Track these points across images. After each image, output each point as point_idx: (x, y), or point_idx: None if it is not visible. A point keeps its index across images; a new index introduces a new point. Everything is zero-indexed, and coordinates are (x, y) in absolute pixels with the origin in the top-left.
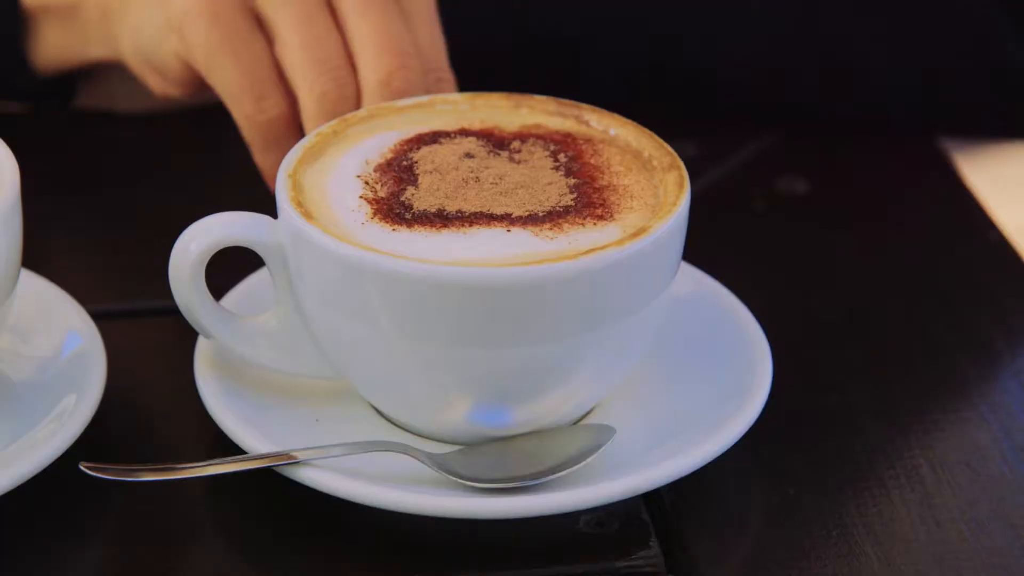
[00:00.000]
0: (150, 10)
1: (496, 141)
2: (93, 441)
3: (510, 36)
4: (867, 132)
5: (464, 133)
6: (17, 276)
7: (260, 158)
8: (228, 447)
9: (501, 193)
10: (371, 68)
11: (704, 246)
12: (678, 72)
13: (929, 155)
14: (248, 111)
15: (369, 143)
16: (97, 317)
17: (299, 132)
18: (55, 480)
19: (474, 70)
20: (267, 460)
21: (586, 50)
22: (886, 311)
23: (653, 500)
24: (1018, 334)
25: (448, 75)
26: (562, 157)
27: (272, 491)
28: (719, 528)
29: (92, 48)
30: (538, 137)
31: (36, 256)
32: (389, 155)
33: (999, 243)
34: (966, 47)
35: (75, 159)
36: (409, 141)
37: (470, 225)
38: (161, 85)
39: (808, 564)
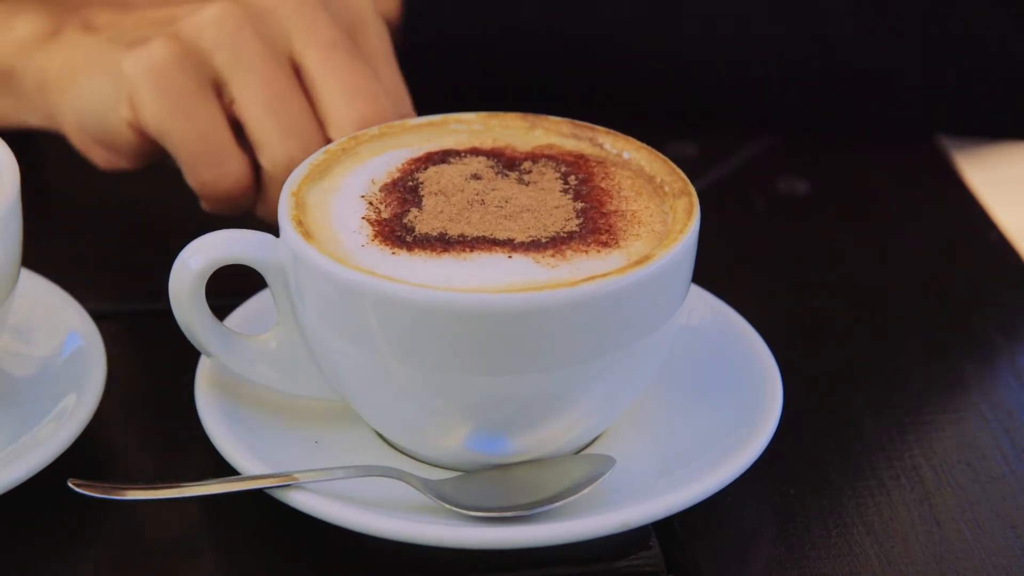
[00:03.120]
0: (97, 79)
1: (507, 162)
2: (92, 442)
3: (512, 38)
4: (867, 133)
5: (475, 152)
6: (17, 276)
7: (207, 208)
8: (224, 460)
9: (506, 217)
10: (344, 116)
11: (704, 246)
12: (680, 73)
13: (929, 155)
14: (205, 179)
15: (377, 161)
16: (97, 317)
17: (254, 194)
18: (54, 481)
19: (477, 70)
20: (257, 482)
21: (588, 52)
22: (886, 311)
23: None
24: (1018, 334)
25: (413, 116)
26: (572, 180)
27: (268, 512)
28: (719, 528)
29: (29, 118)
30: (550, 158)
31: (36, 256)
32: (396, 174)
33: (999, 243)
34: (967, 47)
35: (76, 159)
36: (417, 160)
37: (471, 250)
38: (108, 159)
39: (808, 564)
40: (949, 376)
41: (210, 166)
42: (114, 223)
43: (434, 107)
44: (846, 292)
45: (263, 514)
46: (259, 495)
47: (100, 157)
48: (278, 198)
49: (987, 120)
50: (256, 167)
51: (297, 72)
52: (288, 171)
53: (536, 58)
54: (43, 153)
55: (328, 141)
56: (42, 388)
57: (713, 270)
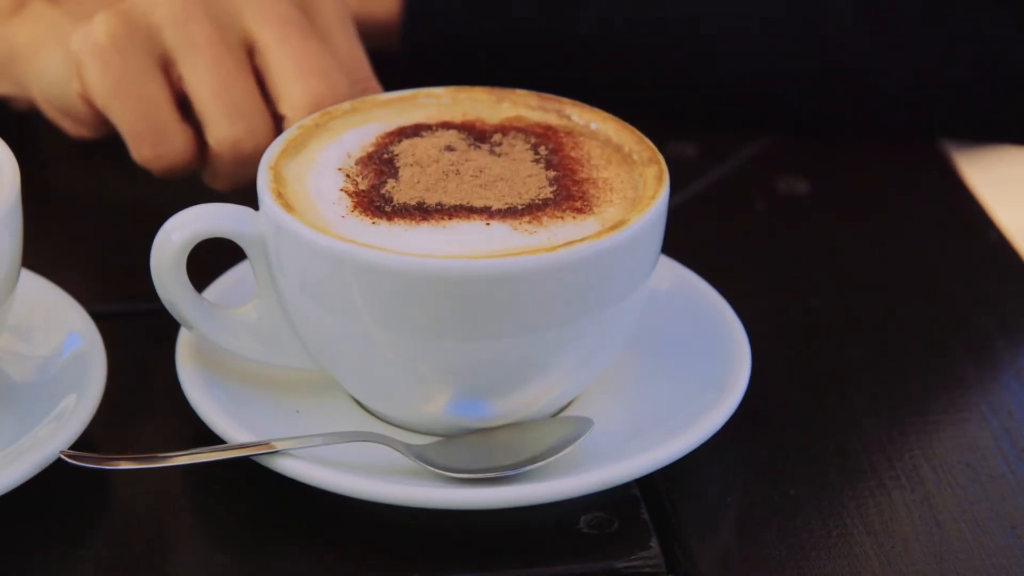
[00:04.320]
0: (54, 53)
1: (478, 134)
2: (93, 442)
3: (511, 39)
4: (868, 134)
5: (446, 126)
6: (18, 276)
7: (156, 175)
8: (215, 442)
9: (481, 186)
10: (298, 94)
11: (704, 246)
12: (679, 73)
13: (929, 155)
14: (146, 155)
15: (350, 136)
16: (97, 317)
17: (198, 166)
18: (55, 480)
19: (476, 70)
20: (246, 450)
21: (587, 52)
22: (886, 311)
23: (653, 500)
24: (1018, 334)
25: (374, 83)
26: (543, 150)
27: (258, 484)
28: (719, 528)
29: (3, 87)
30: (519, 130)
31: (36, 256)
32: (370, 148)
33: (999, 243)
34: (968, 48)
35: (75, 160)
36: (390, 134)
37: (449, 218)
38: (74, 128)
39: (808, 564)
40: (949, 376)
41: (151, 144)
42: (114, 223)
43: None
44: (846, 292)
45: (250, 487)
46: (245, 468)
47: (67, 126)
48: (224, 172)
49: (988, 123)
50: (202, 139)
51: (249, 51)
52: (233, 151)
53: (535, 58)
54: (44, 153)
55: (277, 119)
56: (42, 388)
57: (713, 270)
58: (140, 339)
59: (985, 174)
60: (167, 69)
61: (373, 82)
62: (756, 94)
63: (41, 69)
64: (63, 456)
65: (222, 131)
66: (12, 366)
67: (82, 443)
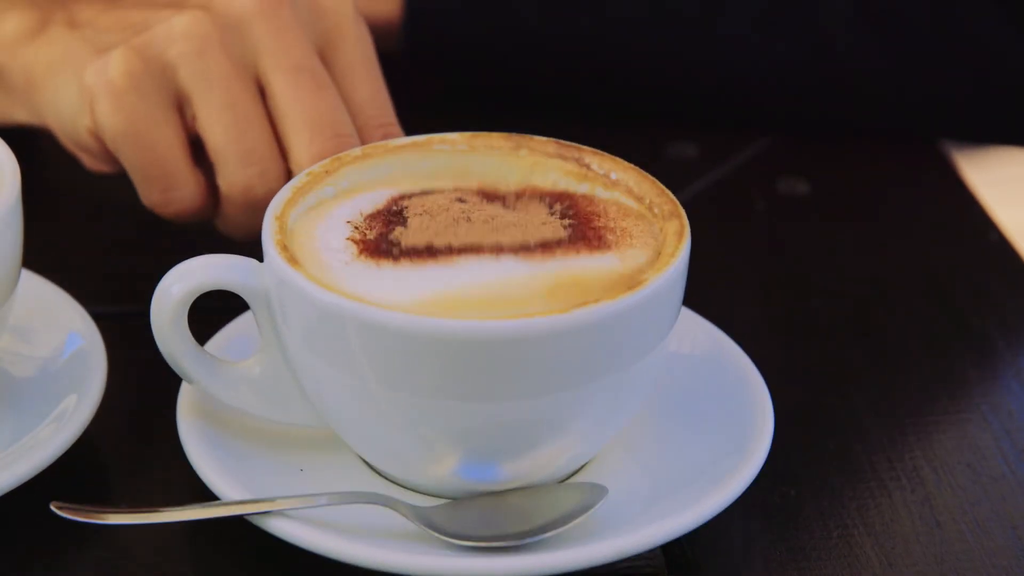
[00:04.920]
0: (69, 82)
1: (490, 196)
2: (93, 442)
3: (512, 39)
4: (868, 135)
5: (459, 192)
6: (18, 276)
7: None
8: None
9: (492, 230)
10: (304, 152)
11: (704, 247)
12: (680, 77)
13: (929, 155)
14: (155, 200)
15: (360, 198)
16: (97, 317)
17: (209, 212)
18: (55, 481)
19: (477, 71)
20: (240, 508)
21: (589, 53)
22: (886, 311)
23: None
24: (1018, 334)
25: (395, 129)
26: (558, 206)
27: (255, 540)
28: (719, 528)
29: (19, 114)
30: (535, 192)
31: (36, 256)
32: (381, 205)
33: (999, 243)
34: (968, 52)
35: (75, 160)
36: (402, 196)
37: (458, 255)
38: (91, 162)
39: (809, 564)
40: (949, 376)
41: (160, 190)
42: (115, 224)
43: (434, 107)
44: (846, 292)
45: (249, 543)
46: (246, 523)
47: (84, 159)
48: (236, 218)
49: (988, 125)
50: (214, 186)
51: (263, 92)
52: (245, 196)
53: (536, 59)
54: (44, 153)
55: (289, 168)
56: (43, 389)
57: (713, 271)
58: (140, 339)
59: (985, 174)
60: (181, 108)
61: (395, 128)
62: (756, 95)
63: (55, 98)
64: (54, 509)
65: (234, 174)
66: (13, 366)
67: (82, 443)
